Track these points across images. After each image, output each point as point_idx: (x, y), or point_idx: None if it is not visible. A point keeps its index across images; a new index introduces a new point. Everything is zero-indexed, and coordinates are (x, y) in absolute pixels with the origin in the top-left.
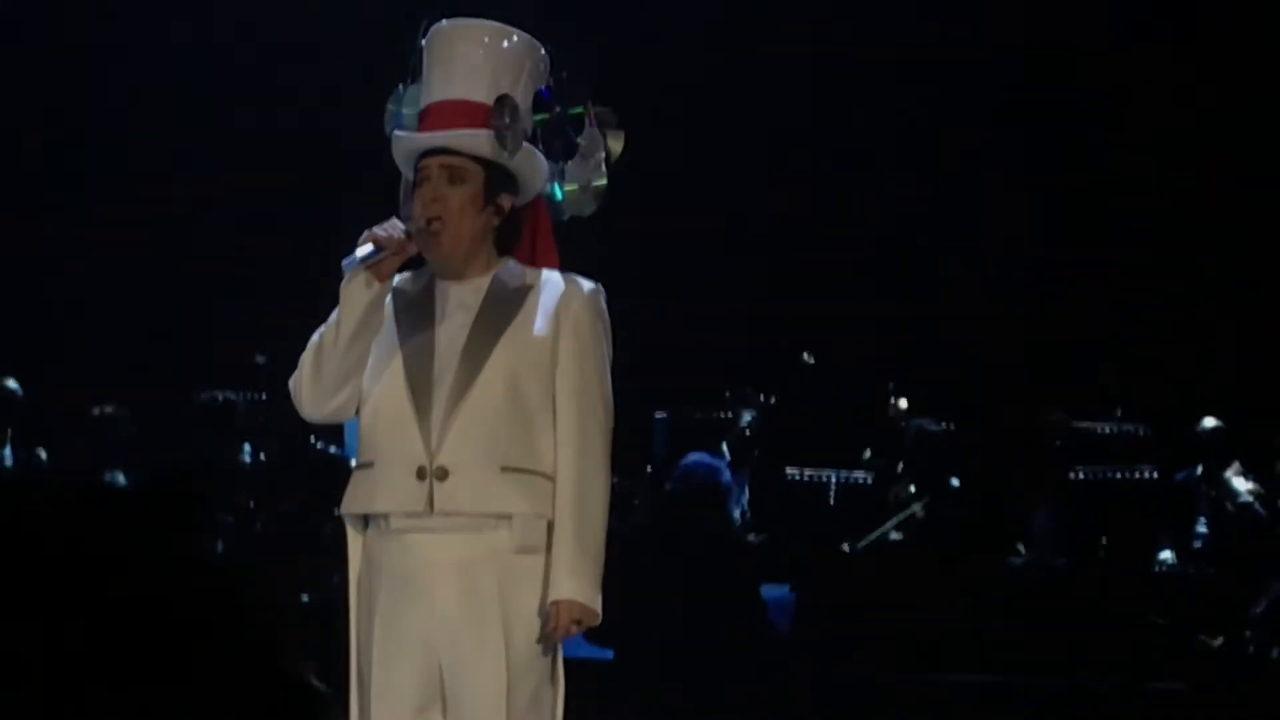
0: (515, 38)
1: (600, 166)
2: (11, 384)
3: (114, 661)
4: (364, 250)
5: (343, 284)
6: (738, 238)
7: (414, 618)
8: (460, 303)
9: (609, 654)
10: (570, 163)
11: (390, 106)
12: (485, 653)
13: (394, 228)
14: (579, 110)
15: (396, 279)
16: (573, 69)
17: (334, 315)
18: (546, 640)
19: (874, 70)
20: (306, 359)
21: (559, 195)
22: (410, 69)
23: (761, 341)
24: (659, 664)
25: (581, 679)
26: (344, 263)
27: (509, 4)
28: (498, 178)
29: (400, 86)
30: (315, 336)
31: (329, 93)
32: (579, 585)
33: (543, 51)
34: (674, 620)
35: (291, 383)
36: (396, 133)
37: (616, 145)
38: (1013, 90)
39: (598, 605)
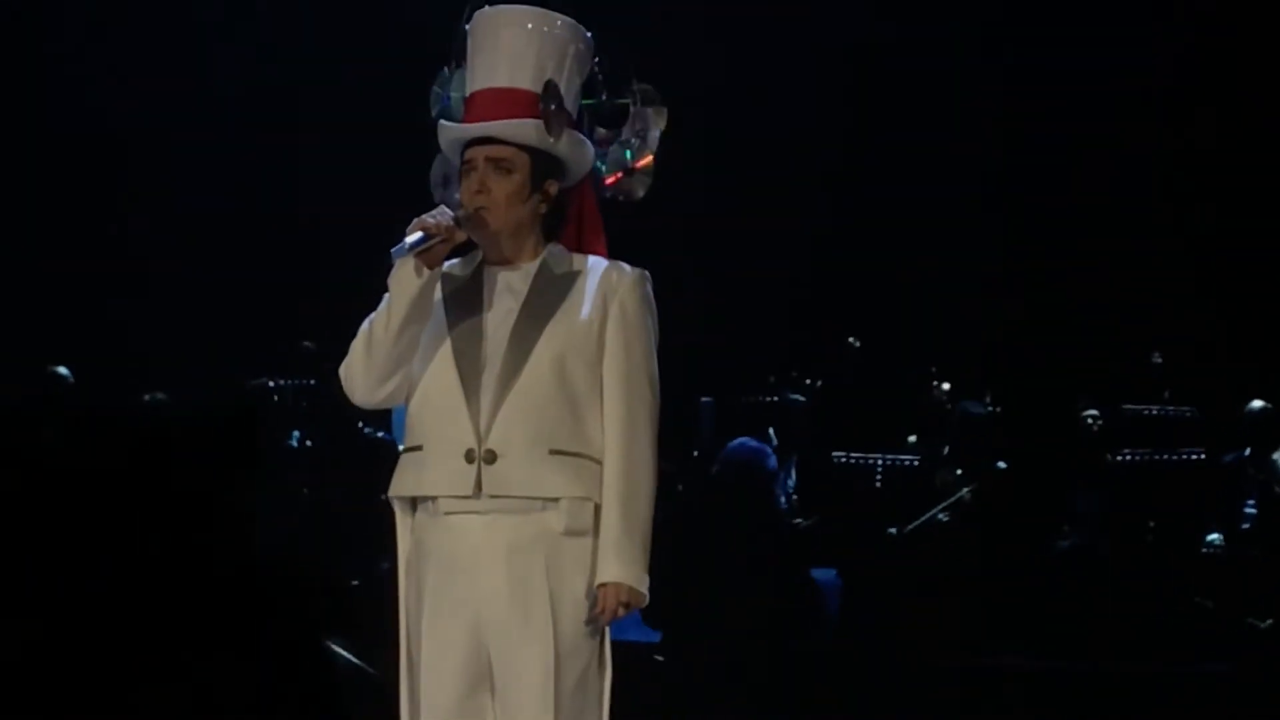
0: (559, 23)
1: (648, 147)
2: (62, 371)
3: (166, 635)
4: (413, 238)
5: (392, 272)
6: (783, 223)
7: (462, 600)
8: (508, 288)
9: (655, 637)
10: (618, 145)
11: (436, 89)
12: (532, 636)
13: (443, 214)
14: (626, 93)
15: (445, 264)
16: (614, 51)
17: (384, 303)
18: (594, 623)
19: (905, 60)
20: (357, 346)
21: (607, 176)
22: (454, 52)
23: (807, 326)
24: (708, 648)
25: (629, 662)
26: (393, 250)
27: None
28: (544, 165)
29: (445, 70)
30: (365, 324)
31: (383, 82)
32: (626, 568)
33: (587, 35)
34: (724, 604)
35: (341, 370)
36: (442, 122)
37: (661, 121)
38: (1049, 77)
39: (645, 587)
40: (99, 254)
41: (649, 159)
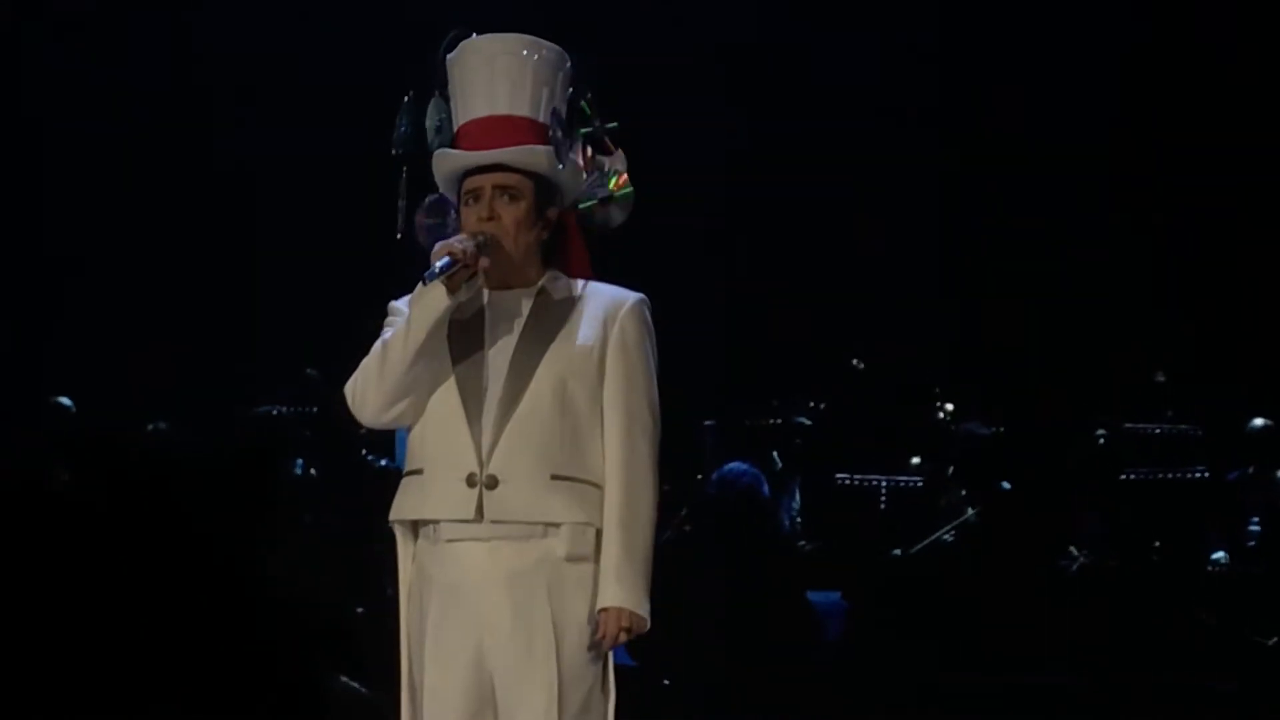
0: (547, 49)
1: (623, 177)
2: (65, 402)
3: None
4: (442, 263)
5: (415, 295)
6: (785, 244)
7: (464, 626)
8: (509, 314)
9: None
10: (596, 174)
11: (400, 119)
12: (535, 661)
13: (466, 241)
14: (613, 123)
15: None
16: (579, 76)
17: (401, 325)
18: (596, 648)
19: (912, 79)
20: (369, 366)
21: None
22: (435, 82)
23: (810, 348)
24: (709, 674)
25: (632, 687)
26: (425, 275)
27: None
28: (546, 191)
29: (406, 98)
30: (377, 345)
31: (380, 112)
32: (627, 593)
33: (569, 63)
34: (718, 628)
35: (349, 389)
36: (445, 151)
37: (620, 164)
38: (1059, 100)
39: (646, 612)
40: (87, 277)
41: (628, 190)
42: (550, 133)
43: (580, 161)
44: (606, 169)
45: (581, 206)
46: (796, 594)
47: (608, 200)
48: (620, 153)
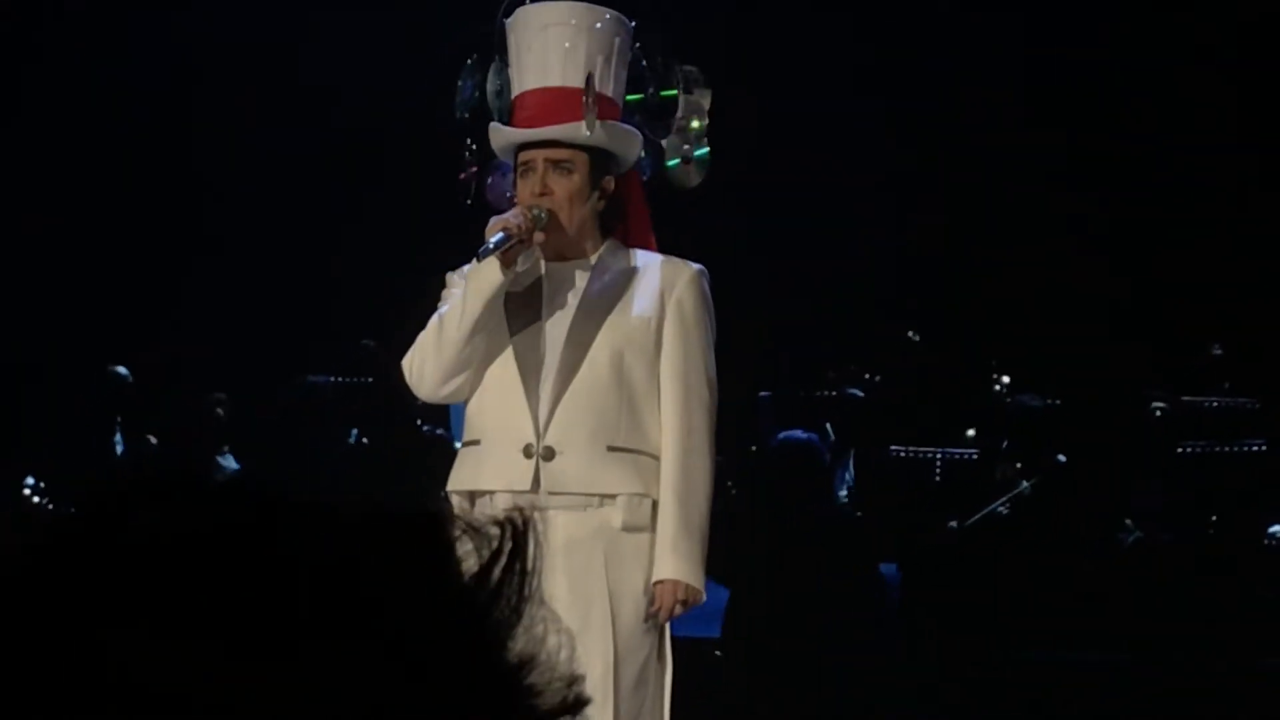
0: (607, 16)
1: (700, 137)
2: (121, 371)
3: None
4: (497, 238)
5: (472, 269)
6: (841, 215)
7: None
8: (567, 285)
9: (715, 632)
10: (669, 137)
11: (462, 82)
12: (591, 631)
13: (519, 216)
14: (672, 80)
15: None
16: (654, 34)
17: (457, 300)
18: (653, 619)
19: (960, 50)
20: (426, 341)
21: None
22: (494, 45)
23: (867, 320)
24: (769, 644)
25: (689, 656)
26: (479, 251)
27: None
28: (601, 161)
29: (469, 61)
30: (434, 320)
31: (435, 82)
32: (683, 565)
33: (630, 24)
34: (788, 597)
35: (406, 364)
36: (497, 126)
37: (705, 103)
38: (1108, 70)
39: (702, 584)
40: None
41: (705, 150)
42: (585, 99)
43: (640, 124)
44: (690, 128)
45: (669, 165)
46: (864, 562)
47: (687, 161)
48: (703, 104)
